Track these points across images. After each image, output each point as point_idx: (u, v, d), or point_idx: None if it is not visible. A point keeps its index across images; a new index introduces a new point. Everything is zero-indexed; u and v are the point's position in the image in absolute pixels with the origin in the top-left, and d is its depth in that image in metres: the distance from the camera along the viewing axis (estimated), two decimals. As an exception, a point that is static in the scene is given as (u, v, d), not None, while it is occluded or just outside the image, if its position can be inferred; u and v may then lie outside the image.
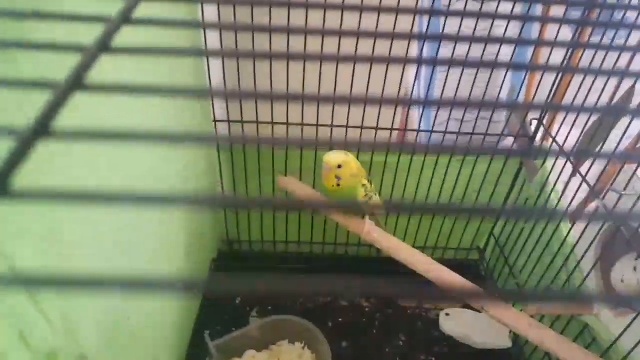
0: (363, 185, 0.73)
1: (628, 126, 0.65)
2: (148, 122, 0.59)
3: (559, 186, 0.77)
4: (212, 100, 0.82)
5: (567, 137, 0.73)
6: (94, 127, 0.17)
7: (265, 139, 0.25)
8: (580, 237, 0.70)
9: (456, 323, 0.84)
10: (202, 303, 0.90)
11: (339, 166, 0.70)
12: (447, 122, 0.82)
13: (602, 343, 0.65)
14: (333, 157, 0.70)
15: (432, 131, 0.86)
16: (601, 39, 0.70)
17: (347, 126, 0.80)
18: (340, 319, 0.92)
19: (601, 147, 0.69)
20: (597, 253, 0.68)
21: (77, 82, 0.19)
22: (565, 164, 0.74)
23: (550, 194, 0.78)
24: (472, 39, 0.29)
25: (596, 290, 0.68)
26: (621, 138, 0.66)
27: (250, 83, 0.78)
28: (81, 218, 0.43)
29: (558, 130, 0.76)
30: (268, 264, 1.01)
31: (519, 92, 0.85)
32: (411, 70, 0.83)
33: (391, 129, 0.83)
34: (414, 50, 0.82)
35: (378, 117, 0.80)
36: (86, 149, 0.43)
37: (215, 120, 0.84)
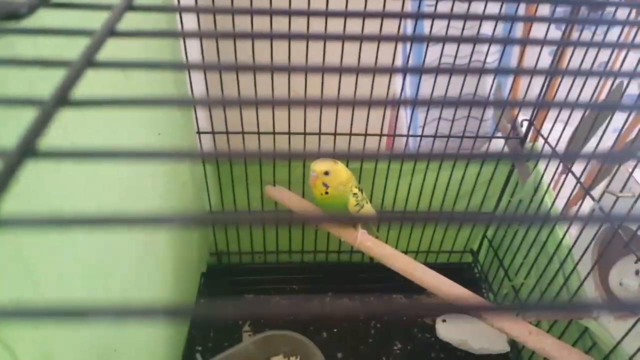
0: (354, 194, 0.71)
1: (610, 119, 0.64)
2: (130, 137, 0.56)
3: (554, 187, 0.76)
4: (195, 111, 0.79)
5: (560, 137, 0.72)
6: (78, 145, 0.16)
7: (252, 153, 0.24)
8: (577, 239, 0.69)
9: (453, 329, 0.83)
10: (193, 320, 0.87)
11: (327, 173, 0.68)
12: (437, 125, 0.81)
13: (603, 347, 0.64)
14: (320, 165, 0.68)
15: (422, 136, 0.84)
16: (592, 36, 0.69)
17: (335, 133, 0.78)
18: (335, 330, 0.90)
19: (596, 147, 0.68)
20: (595, 255, 0.67)
21: (63, 98, 0.18)
22: (558, 165, 0.73)
23: (544, 196, 0.76)
24: (460, 40, 0.28)
25: (594, 293, 0.67)
26: (604, 132, 0.65)
27: (234, 93, 0.75)
28: (57, 242, 0.40)
29: (550, 131, 0.75)
30: (259, 276, 0.99)
31: (509, 91, 0.83)
32: (399, 75, 0.81)
33: (380, 135, 0.81)
34: (400, 53, 0.80)
35: (367, 122, 0.78)
36: (66, 167, 0.41)
37: (199, 132, 0.81)
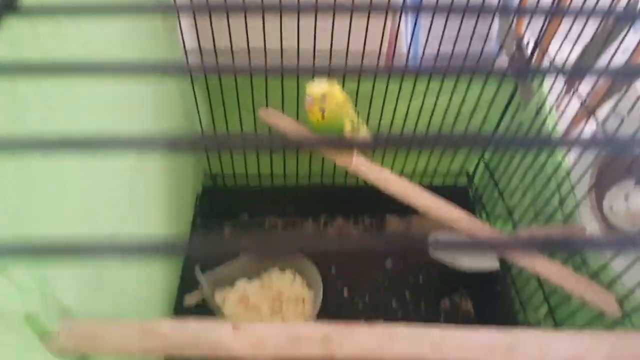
0: (350, 119, 0.68)
1: (624, 37, 0.60)
2: (106, 53, 0.52)
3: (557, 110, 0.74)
4: (180, 26, 0.74)
5: (567, 58, 0.69)
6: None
7: (242, 67, 0.22)
8: (576, 162, 0.68)
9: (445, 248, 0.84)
10: (192, 238, 0.88)
11: (323, 97, 0.65)
12: (440, 43, 0.76)
13: (593, 265, 0.66)
14: (316, 88, 0.65)
15: (423, 54, 0.80)
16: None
17: (331, 49, 0.74)
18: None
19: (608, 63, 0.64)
20: (593, 179, 0.66)
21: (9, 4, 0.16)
22: (563, 87, 0.70)
23: (546, 118, 0.74)
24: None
25: (589, 217, 0.67)
26: (615, 52, 0.62)
27: (222, 15, 0.70)
28: (41, 169, 0.39)
29: (557, 52, 0.71)
30: (254, 200, 0.99)
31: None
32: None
33: (379, 53, 0.77)
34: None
35: (365, 40, 0.74)
36: (47, 87, 0.38)
37: (186, 52, 0.76)
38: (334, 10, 0.17)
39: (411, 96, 0.82)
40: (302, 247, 0.19)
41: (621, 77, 0.59)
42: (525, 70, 0.76)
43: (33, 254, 0.15)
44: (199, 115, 0.84)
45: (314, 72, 0.21)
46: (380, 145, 0.21)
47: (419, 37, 0.82)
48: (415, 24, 0.80)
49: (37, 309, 0.37)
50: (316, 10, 0.17)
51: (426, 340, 0.38)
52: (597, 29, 0.64)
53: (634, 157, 0.57)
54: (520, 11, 0.74)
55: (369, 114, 0.84)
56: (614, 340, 0.39)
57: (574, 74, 0.67)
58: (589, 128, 0.69)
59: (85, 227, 0.46)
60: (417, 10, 0.74)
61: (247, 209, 0.97)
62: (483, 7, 0.52)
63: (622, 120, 0.58)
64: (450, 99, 0.83)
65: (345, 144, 0.46)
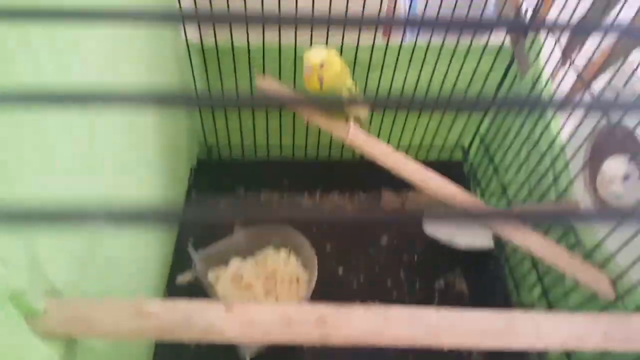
0: (348, 88, 0.68)
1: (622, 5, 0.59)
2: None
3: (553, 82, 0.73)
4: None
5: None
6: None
7: (237, 15, 0.22)
8: (571, 136, 0.68)
9: (440, 225, 0.84)
10: (186, 208, 0.88)
11: (321, 65, 0.64)
12: (438, 11, 0.75)
13: (587, 244, 0.66)
14: (314, 55, 0.64)
15: (421, 23, 0.79)
16: None
17: (329, 17, 0.73)
18: (323, 224, 0.91)
19: (600, 41, 0.63)
20: (588, 154, 0.66)
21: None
22: (559, 60, 0.69)
23: (542, 91, 0.74)
24: None
25: (582, 193, 0.67)
26: (613, 22, 0.61)
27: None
28: (30, 126, 0.37)
29: (556, 21, 0.70)
30: (250, 171, 0.98)
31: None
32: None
33: (377, 20, 0.75)
34: None
35: (363, 6, 0.72)
36: (35, 34, 0.37)
37: (183, 17, 0.75)
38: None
39: (408, 66, 0.81)
40: (295, 218, 0.18)
41: (621, 37, 0.58)
42: (521, 28, 0.74)
43: (23, 219, 0.15)
44: (195, 83, 0.83)
45: (312, 22, 0.21)
46: (378, 106, 0.21)
47: (417, 3, 0.80)
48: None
49: (23, 285, 0.35)
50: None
51: (421, 323, 0.37)
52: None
53: (627, 132, 0.57)
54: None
55: (366, 83, 0.83)
56: (608, 321, 0.39)
57: (571, 32, 0.66)
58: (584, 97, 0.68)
59: (73, 191, 0.45)
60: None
61: (243, 182, 0.97)
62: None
63: (617, 94, 0.58)
64: (448, 67, 0.82)
65: (341, 103, 0.45)
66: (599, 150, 0.65)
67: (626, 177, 0.56)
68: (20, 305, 0.35)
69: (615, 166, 0.57)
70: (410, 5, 0.79)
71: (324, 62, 0.64)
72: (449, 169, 1.01)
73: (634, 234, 0.55)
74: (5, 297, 0.34)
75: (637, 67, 0.57)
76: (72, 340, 0.42)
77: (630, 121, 0.58)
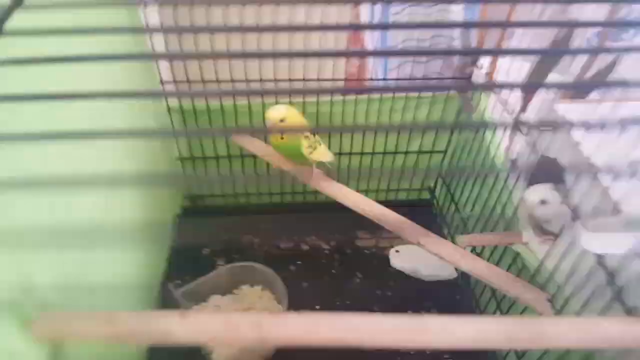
0: (306, 136, 0.76)
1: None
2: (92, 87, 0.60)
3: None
4: (157, 62, 0.83)
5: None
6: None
7: (213, 91, 0.29)
8: (510, 169, 0.75)
9: (405, 258, 0.91)
10: (170, 255, 0.95)
11: (282, 121, 0.73)
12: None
13: (531, 268, 0.72)
14: (274, 113, 0.73)
15: (384, 79, 0.89)
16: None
17: (290, 79, 0.83)
18: (300, 263, 0.97)
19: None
20: (525, 185, 0.73)
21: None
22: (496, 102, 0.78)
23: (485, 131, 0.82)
24: None
25: (525, 223, 0.73)
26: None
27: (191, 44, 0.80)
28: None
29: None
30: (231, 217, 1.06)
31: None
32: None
33: (332, 79, 0.85)
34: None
35: (335, 67, 0.83)
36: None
37: (162, 82, 0.85)
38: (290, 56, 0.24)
39: (366, 116, 0.91)
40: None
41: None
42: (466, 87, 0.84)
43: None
44: (177, 144, 0.93)
45: (276, 92, 0.28)
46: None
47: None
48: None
49: (19, 299, 0.43)
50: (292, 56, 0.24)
51: (345, 326, 0.44)
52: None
53: (553, 162, 0.65)
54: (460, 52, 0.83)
55: (330, 135, 0.92)
56: (512, 323, 0.45)
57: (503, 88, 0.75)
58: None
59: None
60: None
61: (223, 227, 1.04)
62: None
63: (539, 132, 0.66)
64: (402, 117, 0.91)
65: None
66: (535, 181, 0.72)
67: (543, 202, 0.63)
68: (17, 315, 0.42)
69: (534, 193, 0.64)
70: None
71: (285, 117, 0.73)
72: (418, 208, 1.09)
73: (562, 253, 0.61)
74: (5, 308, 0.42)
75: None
76: (58, 345, 0.49)
77: (554, 152, 0.66)
